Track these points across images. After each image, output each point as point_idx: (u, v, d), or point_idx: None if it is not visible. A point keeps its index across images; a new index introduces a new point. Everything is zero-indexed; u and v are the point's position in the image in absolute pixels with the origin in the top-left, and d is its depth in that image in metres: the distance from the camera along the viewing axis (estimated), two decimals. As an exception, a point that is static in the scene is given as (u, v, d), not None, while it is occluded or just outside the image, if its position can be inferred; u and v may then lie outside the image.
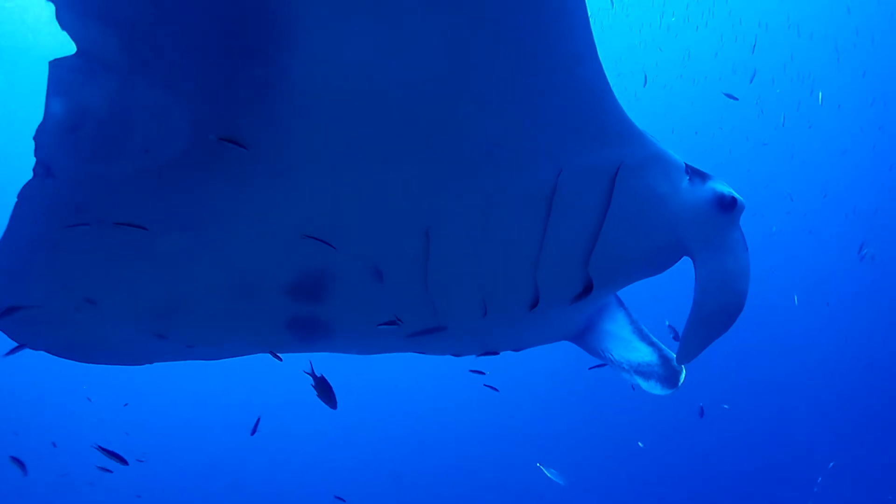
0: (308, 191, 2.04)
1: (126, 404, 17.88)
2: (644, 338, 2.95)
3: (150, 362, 2.78)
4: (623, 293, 2.94)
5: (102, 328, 2.43)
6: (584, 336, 3.01)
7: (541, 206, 2.14)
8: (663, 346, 2.89)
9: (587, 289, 2.36)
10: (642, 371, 2.82)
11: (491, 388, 6.38)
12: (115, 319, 2.38)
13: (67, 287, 2.25)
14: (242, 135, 1.89)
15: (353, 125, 1.91)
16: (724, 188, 2.37)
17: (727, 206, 2.34)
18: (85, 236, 2.09)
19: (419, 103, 1.89)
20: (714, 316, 2.43)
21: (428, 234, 2.16)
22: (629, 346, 2.94)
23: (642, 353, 2.89)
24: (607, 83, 1.98)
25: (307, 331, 2.48)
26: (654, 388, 2.76)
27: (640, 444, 20.29)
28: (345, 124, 1.91)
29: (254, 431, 8.15)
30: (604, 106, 2.02)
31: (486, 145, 1.99)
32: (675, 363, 2.75)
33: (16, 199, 2.00)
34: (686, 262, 2.46)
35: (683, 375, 2.74)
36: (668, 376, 2.77)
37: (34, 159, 1.93)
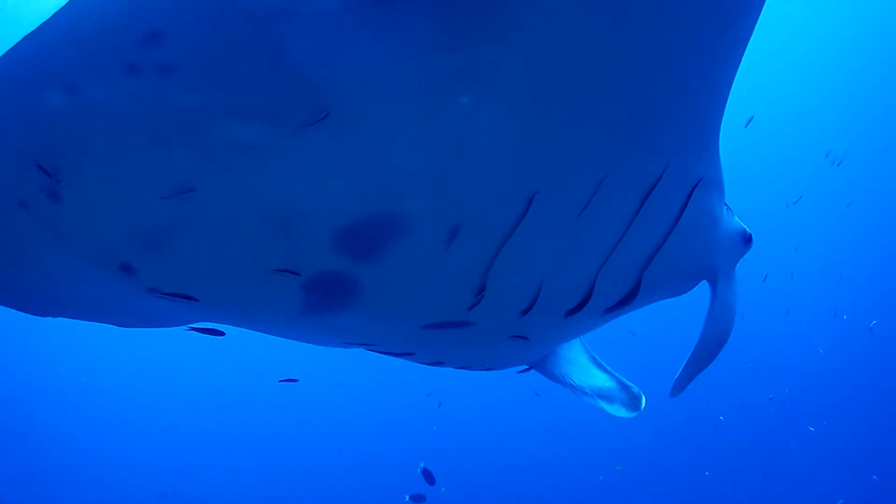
0: (417, 115, 1.65)
1: None
2: (599, 365, 3.08)
3: (56, 315, 2.26)
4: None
5: (47, 240, 1.82)
6: (543, 361, 3.07)
7: (637, 198, 2.05)
8: (617, 373, 3.04)
9: (627, 298, 2.34)
10: (604, 395, 2.95)
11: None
12: (77, 230, 1.77)
13: (22, 165, 1.64)
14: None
15: (510, 49, 1.59)
16: (743, 224, 2.57)
17: (747, 241, 2.56)
18: (91, 81, 1.49)
19: (584, 51, 1.64)
20: (714, 347, 2.56)
21: (530, 202, 1.88)
22: (588, 372, 3.06)
23: (601, 379, 3.03)
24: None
25: (327, 296, 2.00)
26: (618, 411, 2.91)
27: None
28: (505, 45, 1.59)
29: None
30: (719, 111, 2.03)
31: (625, 117, 1.85)
32: (633, 389, 2.96)
33: None
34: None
35: (644, 400, 2.91)
36: (630, 401, 2.92)
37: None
